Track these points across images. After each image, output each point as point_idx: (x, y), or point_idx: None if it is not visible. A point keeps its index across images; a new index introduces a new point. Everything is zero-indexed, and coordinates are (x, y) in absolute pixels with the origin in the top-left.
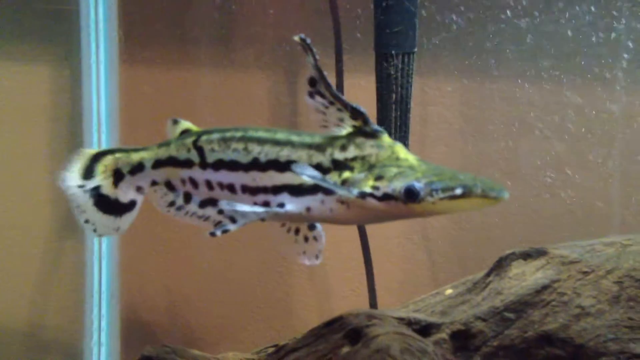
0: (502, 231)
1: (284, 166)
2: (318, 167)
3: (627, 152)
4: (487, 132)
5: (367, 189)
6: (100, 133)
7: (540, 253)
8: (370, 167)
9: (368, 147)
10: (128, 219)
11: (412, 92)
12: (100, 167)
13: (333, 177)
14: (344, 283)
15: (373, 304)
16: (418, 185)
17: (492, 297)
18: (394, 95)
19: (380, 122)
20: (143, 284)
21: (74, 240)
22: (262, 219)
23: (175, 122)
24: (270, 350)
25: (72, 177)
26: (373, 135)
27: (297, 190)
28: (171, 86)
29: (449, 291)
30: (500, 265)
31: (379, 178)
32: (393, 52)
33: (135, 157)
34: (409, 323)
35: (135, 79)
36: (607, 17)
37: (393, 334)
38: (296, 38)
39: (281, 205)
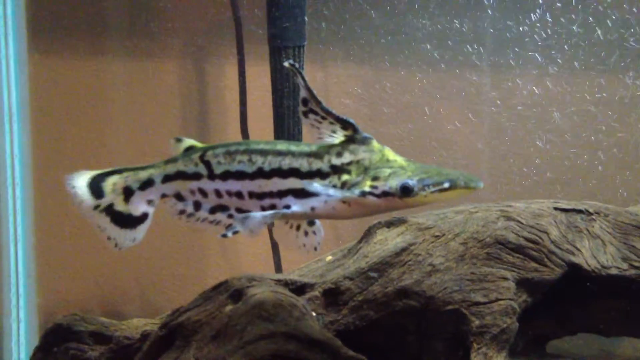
0: None
1: (287, 173)
2: (318, 172)
3: (501, 133)
4: (383, 116)
5: (367, 189)
6: (12, 123)
7: (401, 221)
8: (366, 170)
9: (361, 152)
10: (142, 229)
11: (312, 82)
12: (108, 187)
13: (333, 180)
14: (255, 259)
15: None
16: (412, 182)
17: (360, 260)
18: (287, 85)
19: (276, 111)
20: (59, 264)
21: None
22: (268, 223)
23: (179, 140)
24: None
25: (86, 199)
26: (363, 141)
27: (302, 193)
28: (82, 76)
29: (329, 258)
30: (369, 233)
31: (375, 179)
32: (284, 45)
33: (144, 174)
34: (286, 284)
35: (45, 69)
36: (475, 9)
37: (268, 292)
38: (286, 64)
39: (287, 206)
